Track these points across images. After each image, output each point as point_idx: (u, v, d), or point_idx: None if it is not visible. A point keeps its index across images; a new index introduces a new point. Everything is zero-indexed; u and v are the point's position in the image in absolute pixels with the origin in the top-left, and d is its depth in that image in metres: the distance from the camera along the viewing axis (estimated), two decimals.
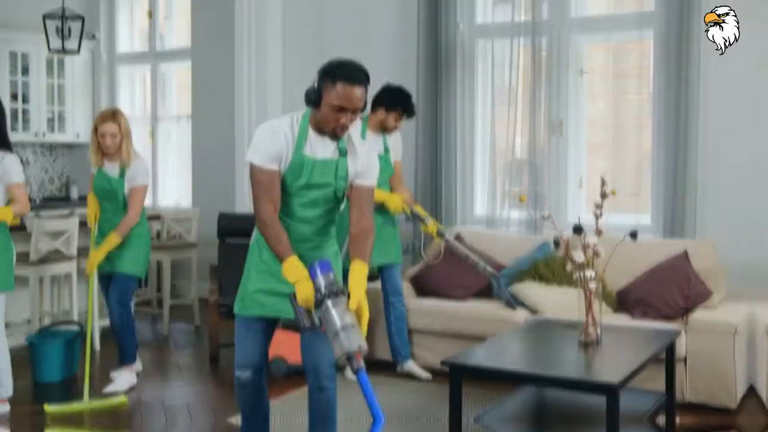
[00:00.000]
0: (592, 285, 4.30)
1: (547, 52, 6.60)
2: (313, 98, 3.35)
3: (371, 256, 3.46)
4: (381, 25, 7.40)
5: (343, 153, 3.47)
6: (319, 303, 3.05)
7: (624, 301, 5.56)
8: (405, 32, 7.20)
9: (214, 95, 8.42)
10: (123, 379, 5.47)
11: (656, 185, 6.24)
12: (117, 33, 9.68)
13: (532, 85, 6.63)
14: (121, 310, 5.45)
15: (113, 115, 5.41)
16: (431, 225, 5.52)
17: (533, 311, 5.52)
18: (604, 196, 4.42)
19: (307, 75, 7.47)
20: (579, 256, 4.31)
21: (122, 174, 5.40)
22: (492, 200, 6.85)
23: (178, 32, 9.45)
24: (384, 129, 5.52)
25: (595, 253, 4.37)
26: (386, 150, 5.56)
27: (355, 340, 2.91)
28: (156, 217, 7.55)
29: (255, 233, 3.61)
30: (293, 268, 3.20)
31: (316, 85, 3.36)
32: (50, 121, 9.23)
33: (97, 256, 5.34)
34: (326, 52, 7.63)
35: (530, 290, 5.62)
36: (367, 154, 3.55)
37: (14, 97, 8.84)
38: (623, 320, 5.26)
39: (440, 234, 5.56)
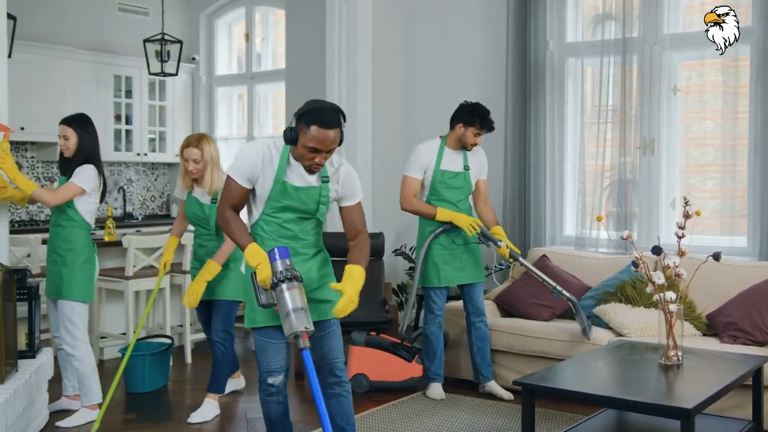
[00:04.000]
0: (673, 307, 4.20)
1: (638, 69, 6.48)
2: (290, 137, 3.52)
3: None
4: (469, 45, 7.41)
5: (326, 180, 3.65)
6: (274, 285, 3.35)
7: (713, 325, 5.40)
8: (494, 51, 7.20)
9: None
10: (209, 408, 5.27)
11: (752, 207, 6.05)
12: (216, 55, 9.99)
13: (623, 104, 6.51)
14: (226, 338, 5.22)
15: (197, 140, 5.14)
16: (504, 248, 5.45)
17: (618, 333, 5.41)
18: (687, 216, 4.34)
19: (396, 95, 7.69)
20: (659, 278, 4.23)
21: (214, 200, 5.09)
22: (581, 220, 6.76)
23: (274, 54, 9.67)
24: (463, 145, 5.49)
25: (677, 275, 4.28)
26: (466, 168, 5.52)
27: (303, 322, 3.31)
28: None
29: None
30: (254, 253, 3.47)
31: (293, 125, 3.52)
32: (152, 141, 9.59)
33: (199, 288, 5.05)
34: (415, 72, 7.78)
35: (615, 311, 5.51)
36: (349, 174, 3.74)
37: (118, 118, 9.19)
38: (710, 344, 5.10)
39: (513, 256, 5.51)
